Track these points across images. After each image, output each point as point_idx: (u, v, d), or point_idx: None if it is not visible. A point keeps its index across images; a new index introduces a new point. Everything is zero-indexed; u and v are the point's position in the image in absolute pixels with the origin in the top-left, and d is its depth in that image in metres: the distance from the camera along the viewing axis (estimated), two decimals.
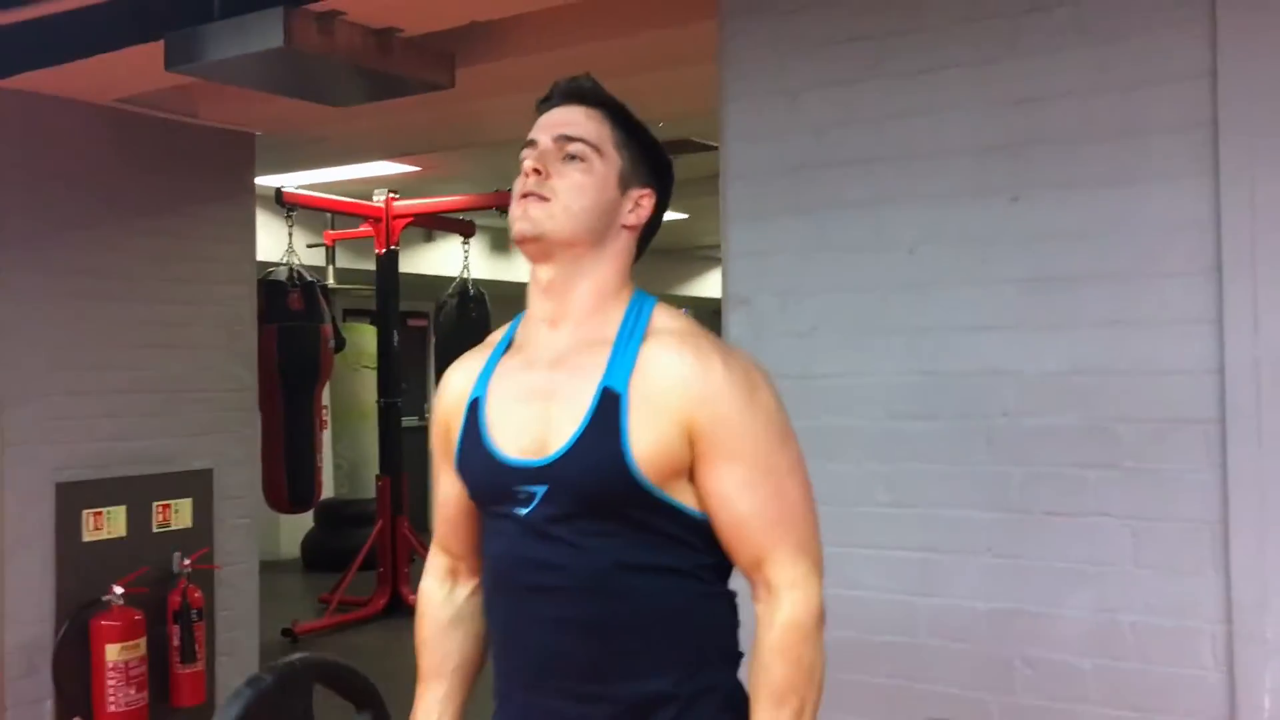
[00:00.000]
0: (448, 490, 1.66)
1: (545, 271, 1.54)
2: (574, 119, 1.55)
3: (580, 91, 1.57)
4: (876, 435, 2.73)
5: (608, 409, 1.46)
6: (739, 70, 2.94)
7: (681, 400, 1.46)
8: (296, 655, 1.86)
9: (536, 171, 1.51)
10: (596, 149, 1.53)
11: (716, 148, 3.03)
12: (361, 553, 7.36)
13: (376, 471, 7.67)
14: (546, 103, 1.60)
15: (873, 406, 2.74)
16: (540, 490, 1.48)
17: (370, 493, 7.97)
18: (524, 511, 1.49)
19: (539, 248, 1.52)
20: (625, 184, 1.56)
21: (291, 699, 1.75)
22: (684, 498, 1.49)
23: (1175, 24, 2.40)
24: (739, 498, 1.47)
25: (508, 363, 1.59)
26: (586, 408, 1.46)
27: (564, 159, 1.53)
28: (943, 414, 2.65)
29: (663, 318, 1.54)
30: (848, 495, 2.73)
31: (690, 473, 1.48)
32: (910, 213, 2.71)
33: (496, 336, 1.66)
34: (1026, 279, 2.56)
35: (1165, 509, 2.39)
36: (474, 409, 1.57)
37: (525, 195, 1.52)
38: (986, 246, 2.61)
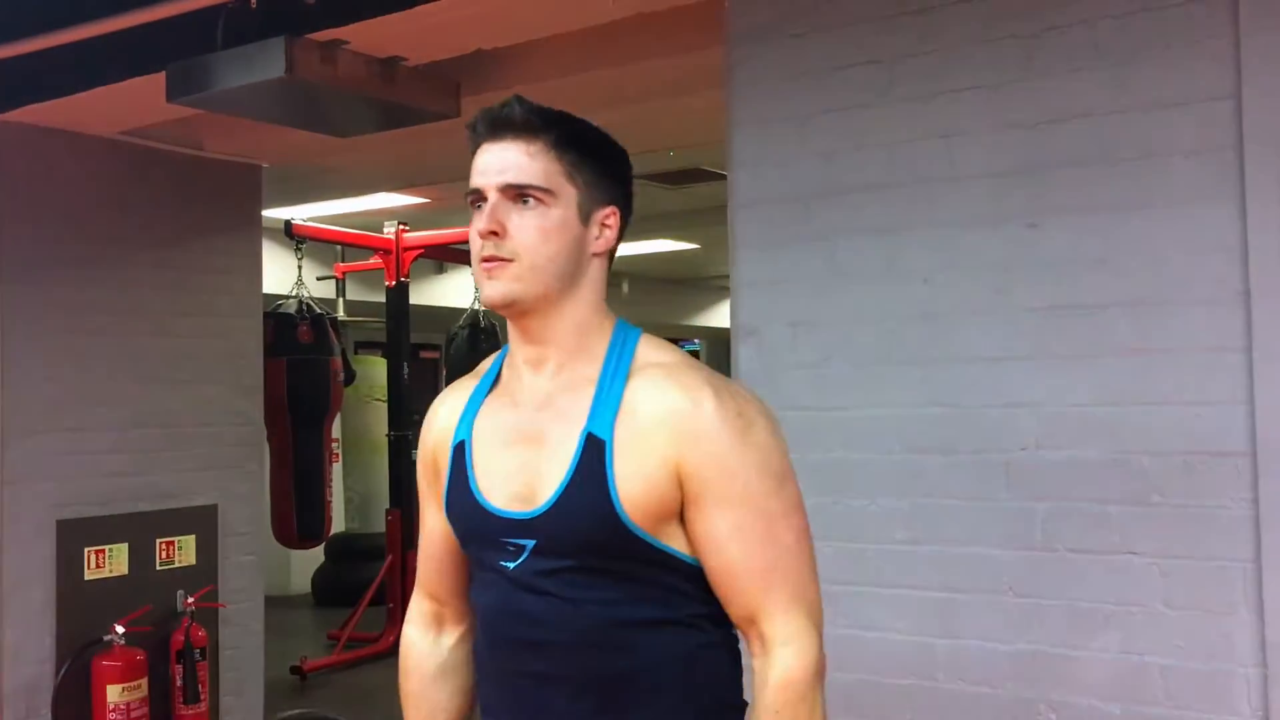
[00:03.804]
0: (434, 527, 1.60)
1: (523, 320, 1.47)
2: (515, 161, 1.41)
3: (512, 122, 1.42)
4: (892, 470, 2.64)
5: (593, 456, 1.39)
6: (746, 96, 2.88)
7: (668, 439, 1.37)
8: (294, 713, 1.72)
9: (493, 233, 1.41)
10: (549, 190, 1.41)
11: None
12: (371, 588, 7.28)
13: (387, 505, 7.61)
14: (476, 133, 1.45)
15: (888, 440, 2.66)
16: (529, 544, 1.42)
17: (382, 526, 7.91)
18: (512, 565, 1.43)
19: (513, 310, 1.45)
20: (586, 213, 1.45)
21: None
22: (677, 543, 1.41)
23: (1197, 44, 2.33)
24: (729, 543, 1.39)
25: (493, 402, 1.52)
26: (572, 455, 1.40)
27: (517, 206, 1.41)
28: (960, 448, 2.57)
29: (648, 351, 1.46)
30: (862, 532, 2.65)
31: (681, 515, 1.40)
32: (925, 240, 2.63)
33: (484, 366, 1.58)
34: (1046, 307, 2.48)
35: (1194, 546, 2.30)
36: (460, 452, 1.51)
37: (486, 259, 1.42)
38: (1004, 274, 2.54)
